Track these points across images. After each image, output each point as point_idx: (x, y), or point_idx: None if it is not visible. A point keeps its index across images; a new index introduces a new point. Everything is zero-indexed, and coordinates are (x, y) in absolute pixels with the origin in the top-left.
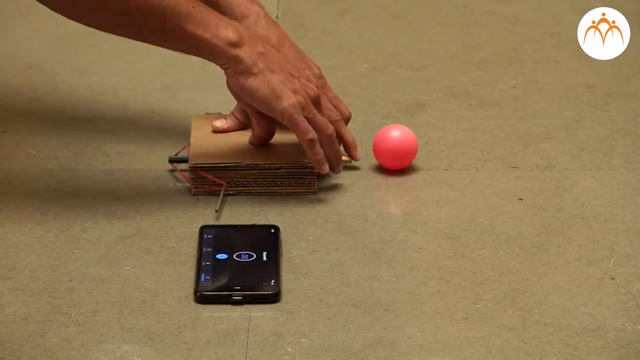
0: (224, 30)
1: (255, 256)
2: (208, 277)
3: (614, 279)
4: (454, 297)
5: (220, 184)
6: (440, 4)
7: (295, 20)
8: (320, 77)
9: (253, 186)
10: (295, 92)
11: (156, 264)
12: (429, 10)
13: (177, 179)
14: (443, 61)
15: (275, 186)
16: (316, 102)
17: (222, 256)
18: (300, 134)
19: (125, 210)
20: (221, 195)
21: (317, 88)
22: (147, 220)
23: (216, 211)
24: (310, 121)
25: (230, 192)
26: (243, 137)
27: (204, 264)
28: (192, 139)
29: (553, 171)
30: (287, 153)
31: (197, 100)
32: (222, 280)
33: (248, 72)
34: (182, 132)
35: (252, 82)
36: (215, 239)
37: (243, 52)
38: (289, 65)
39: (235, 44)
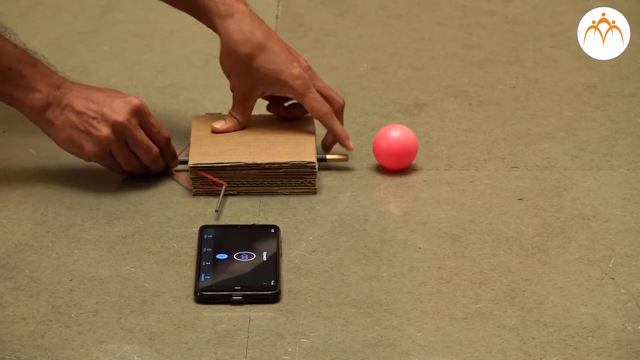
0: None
1: (255, 256)
2: (208, 277)
3: (614, 279)
4: (454, 297)
5: (221, 183)
6: (440, 4)
7: (295, 20)
8: (309, 68)
9: (253, 186)
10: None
11: (156, 264)
12: (429, 10)
13: (176, 179)
14: (443, 61)
15: (275, 186)
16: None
17: (222, 256)
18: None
19: (125, 210)
20: (221, 195)
21: (307, 79)
22: (147, 220)
23: (216, 211)
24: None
25: (230, 192)
26: (243, 137)
27: (204, 264)
28: (192, 139)
29: (553, 171)
30: (287, 153)
31: (197, 100)
32: (222, 280)
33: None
34: (182, 132)
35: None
36: (215, 239)
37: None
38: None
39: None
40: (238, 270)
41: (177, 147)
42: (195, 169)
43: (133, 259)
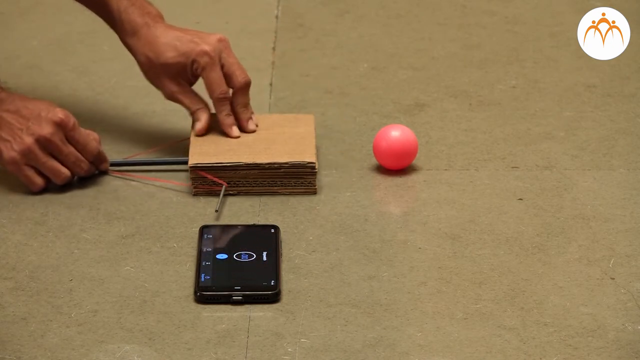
0: None
1: (255, 256)
2: (208, 277)
3: (614, 279)
4: (454, 297)
5: (220, 183)
6: (440, 4)
7: (295, 20)
8: (222, 40)
9: (253, 186)
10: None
11: (156, 264)
12: (429, 10)
13: (176, 179)
14: (443, 61)
15: (275, 186)
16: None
17: (222, 256)
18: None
19: (125, 210)
20: (221, 195)
21: (216, 52)
22: (147, 220)
23: (216, 211)
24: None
25: (230, 192)
26: (243, 137)
27: (204, 264)
28: (191, 139)
29: (553, 171)
30: (287, 153)
31: None
32: (222, 280)
33: None
34: (182, 132)
35: None
36: (215, 239)
37: None
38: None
39: None
40: (238, 270)
41: (176, 147)
42: (195, 168)
43: (133, 259)
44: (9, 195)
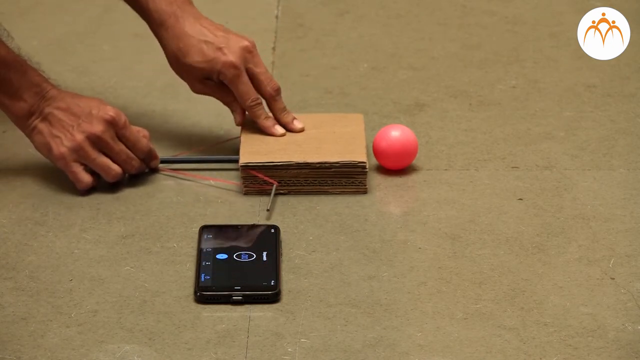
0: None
1: (255, 256)
2: (208, 277)
3: (614, 279)
4: (454, 297)
5: (271, 183)
6: (440, 4)
7: (295, 20)
8: (248, 50)
9: (304, 185)
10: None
11: (156, 264)
12: (429, 10)
13: (178, 178)
14: (443, 61)
15: (326, 185)
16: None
17: (222, 256)
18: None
19: (125, 210)
20: (272, 195)
21: (240, 61)
22: (147, 220)
23: (267, 210)
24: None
25: (281, 192)
26: (293, 137)
27: (204, 264)
28: (242, 138)
29: (553, 171)
30: (338, 152)
31: (197, 100)
32: (222, 280)
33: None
34: (182, 132)
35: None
36: (215, 239)
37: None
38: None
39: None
40: (238, 270)
41: (177, 147)
42: (246, 168)
43: (133, 259)
44: (9, 195)
